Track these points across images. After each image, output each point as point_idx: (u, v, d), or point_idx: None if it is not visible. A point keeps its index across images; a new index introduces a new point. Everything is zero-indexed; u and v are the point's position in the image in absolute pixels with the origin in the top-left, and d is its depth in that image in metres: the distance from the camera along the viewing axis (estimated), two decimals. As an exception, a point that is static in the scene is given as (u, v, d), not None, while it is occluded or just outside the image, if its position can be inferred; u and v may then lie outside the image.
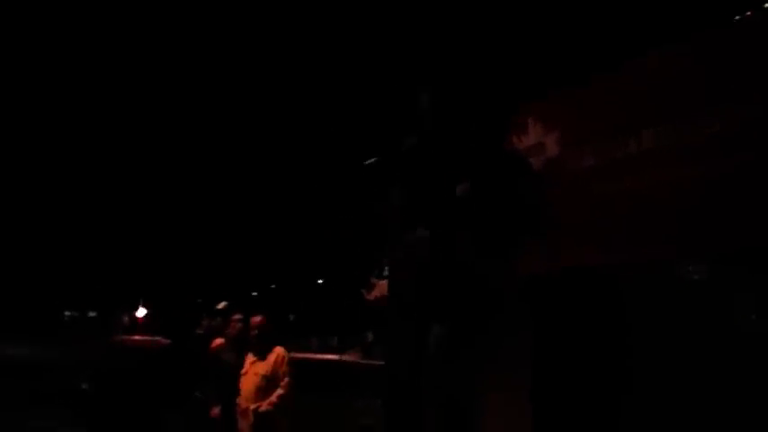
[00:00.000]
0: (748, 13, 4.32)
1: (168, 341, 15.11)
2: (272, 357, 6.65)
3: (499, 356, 3.24)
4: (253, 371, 6.64)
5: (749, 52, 4.26)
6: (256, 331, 6.77)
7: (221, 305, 8.31)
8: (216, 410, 7.16)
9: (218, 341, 7.84)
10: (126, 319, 23.50)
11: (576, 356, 4.89)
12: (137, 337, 15.70)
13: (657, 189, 4.71)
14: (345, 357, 10.90)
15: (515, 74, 5.59)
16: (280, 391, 6.53)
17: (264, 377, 6.55)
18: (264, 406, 6.46)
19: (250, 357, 6.78)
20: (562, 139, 5.42)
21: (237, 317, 7.66)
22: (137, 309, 24.17)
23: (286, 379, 6.58)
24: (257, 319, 6.84)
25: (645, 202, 4.78)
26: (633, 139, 4.92)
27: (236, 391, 6.78)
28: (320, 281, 21.33)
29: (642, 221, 4.79)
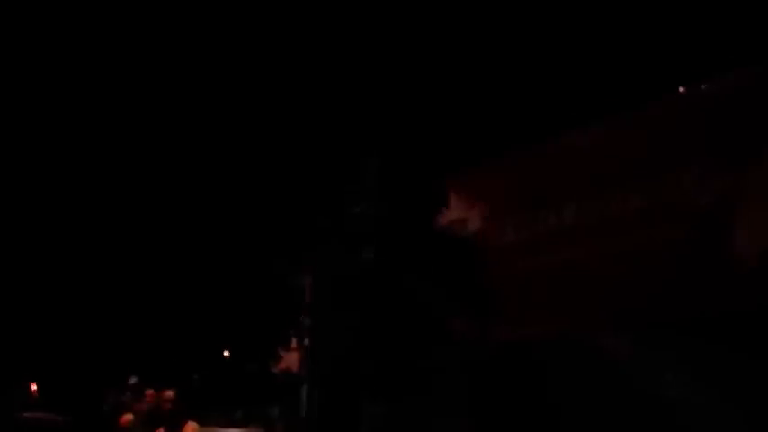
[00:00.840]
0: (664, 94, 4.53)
1: (63, 419, 14.46)
2: (185, 433, 6.43)
3: (434, 423, 3.22)
4: (165, 447, 6.40)
5: (668, 131, 4.45)
6: (170, 405, 6.54)
7: (132, 380, 8.00)
8: None
9: (127, 417, 7.54)
10: (18, 394, 22.41)
11: (510, 423, 4.92)
12: (29, 415, 14.97)
13: (577, 263, 4.82)
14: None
15: (443, 146, 5.67)
16: (193, 469, 6.31)
17: (178, 453, 6.31)
18: (178, 485, 6.23)
19: (162, 432, 6.54)
20: (484, 215, 5.50)
21: (150, 392, 7.42)
22: (30, 384, 23.08)
23: (199, 456, 6.36)
24: (169, 393, 6.62)
25: (565, 275, 4.88)
26: (554, 214, 5.03)
27: None
28: (226, 353, 20.94)
29: (562, 295, 4.89)
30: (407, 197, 3.46)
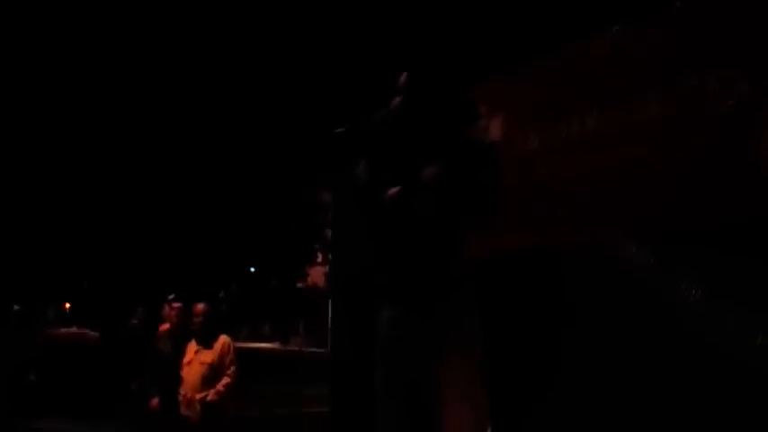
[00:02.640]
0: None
1: (97, 333, 14.84)
2: (217, 346, 6.59)
3: (449, 340, 3.27)
4: (198, 360, 6.56)
5: (690, 37, 4.39)
6: (201, 319, 6.69)
7: (170, 297, 8.15)
8: (155, 401, 7.07)
9: (164, 326, 7.72)
10: (51, 312, 22.97)
11: (524, 339, 5.00)
12: (64, 331, 15.37)
13: (600, 171, 4.81)
14: (288, 347, 10.93)
15: (470, 53, 5.62)
16: (226, 380, 6.48)
17: (210, 366, 6.48)
18: (212, 395, 6.41)
19: (193, 346, 6.70)
20: (506, 122, 5.49)
21: (177, 305, 7.57)
22: (62, 301, 23.62)
23: (232, 367, 6.53)
24: (201, 306, 6.75)
25: (588, 183, 4.88)
26: (576, 122, 5.01)
27: (176, 381, 6.70)
28: (252, 269, 21.20)
29: (586, 203, 4.90)
30: (432, 109, 3.44)
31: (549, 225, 5.11)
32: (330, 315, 6.93)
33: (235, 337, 8.02)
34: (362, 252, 4.72)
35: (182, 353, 6.81)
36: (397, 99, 3.45)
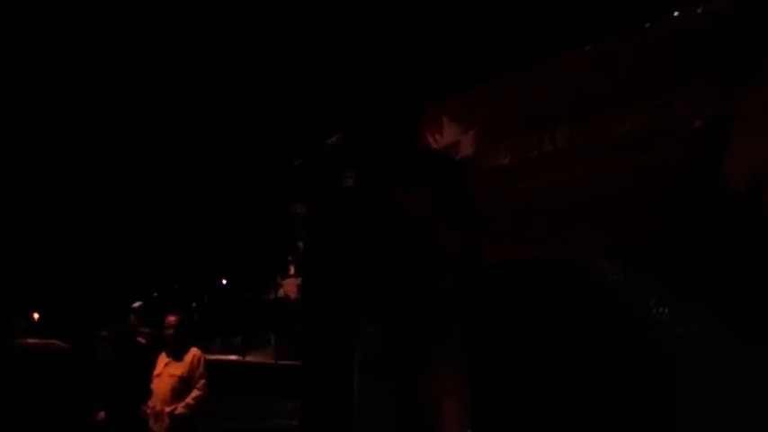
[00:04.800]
0: (658, 18, 4.51)
1: (66, 344, 14.65)
2: (188, 358, 6.54)
3: (433, 349, 3.27)
4: (167, 372, 6.51)
5: (662, 54, 4.44)
6: (172, 331, 6.64)
7: (137, 304, 8.07)
8: (101, 415, 7.06)
9: (172, 318, 7.58)
10: (23, 322, 22.68)
11: (505, 350, 5.03)
12: (32, 341, 15.15)
13: (572, 187, 4.85)
14: (257, 359, 10.88)
15: (424, 73, 5.66)
16: (196, 393, 6.43)
17: (181, 378, 6.43)
18: (181, 408, 6.36)
19: (163, 358, 6.65)
20: (478, 138, 5.52)
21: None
22: (32, 312, 23.32)
23: (202, 380, 6.49)
24: (173, 318, 6.70)
25: (560, 199, 4.92)
26: (548, 138, 5.04)
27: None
28: (224, 281, 21.12)
29: (557, 219, 4.93)
30: (386, 122, 3.44)
31: (522, 240, 5.14)
32: (302, 327, 6.90)
33: (206, 349, 7.98)
34: (335, 264, 4.71)
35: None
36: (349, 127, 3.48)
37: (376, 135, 3.45)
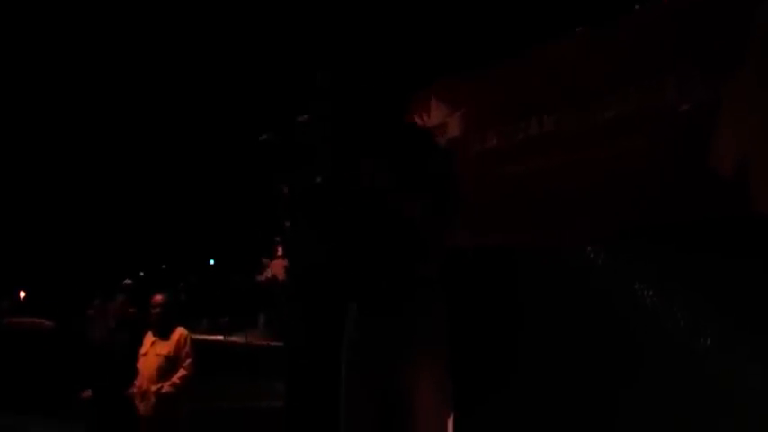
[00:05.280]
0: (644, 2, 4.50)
1: (51, 323, 14.67)
2: (174, 337, 6.54)
3: (415, 335, 3.27)
4: (154, 351, 6.52)
5: (648, 40, 4.44)
6: (159, 310, 6.64)
7: (125, 282, 8.04)
8: (87, 392, 7.07)
9: (159, 297, 7.51)
10: (6, 302, 22.64)
11: (487, 334, 5.05)
12: (17, 320, 15.16)
13: (559, 172, 4.85)
14: (242, 339, 10.87)
15: (414, 55, 5.64)
16: (182, 372, 6.44)
17: (167, 358, 6.44)
18: (167, 387, 6.37)
19: (150, 337, 6.65)
20: (466, 121, 5.51)
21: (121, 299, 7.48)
22: (18, 291, 23.29)
23: (188, 360, 6.50)
24: (159, 297, 6.71)
25: (546, 184, 4.92)
26: (535, 121, 5.04)
27: (132, 372, 6.65)
28: (211, 261, 21.11)
29: (544, 203, 4.93)
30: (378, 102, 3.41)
31: (507, 225, 5.15)
32: (287, 310, 6.90)
33: (193, 329, 7.97)
34: (320, 248, 4.70)
35: (113, 341, 6.83)
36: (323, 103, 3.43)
37: (351, 113, 3.41)
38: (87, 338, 7.54)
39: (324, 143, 3.45)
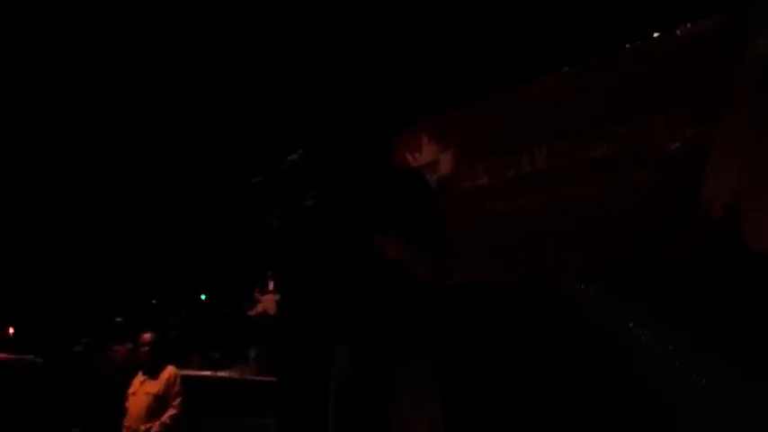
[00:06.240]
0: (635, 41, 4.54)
1: (39, 360, 14.51)
2: (164, 376, 6.47)
3: (404, 373, 3.24)
4: (143, 390, 6.44)
5: (639, 78, 4.47)
6: (147, 348, 6.59)
7: (117, 321, 7.97)
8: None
9: (147, 335, 7.47)
10: (-5, 337, 22.45)
11: (477, 370, 5.02)
12: (3, 356, 15.00)
13: (549, 209, 4.86)
14: (233, 374, 10.76)
15: (398, 94, 5.65)
16: (172, 411, 6.36)
17: (156, 397, 6.36)
18: (156, 427, 6.28)
19: (140, 376, 6.58)
20: (457, 158, 5.53)
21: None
22: (6, 327, 23.09)
23: (178, 399, 6.42)
24: (147, 335, 6.65)
25: (537, 221, 4.93)
26: (526, 158, 5.06)
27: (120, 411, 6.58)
28: (203, 296, 21.01)
29: (534, 240, 4.94)
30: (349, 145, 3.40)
31: (496, 262, 5.14)
32: (277, 346, 6.86)
33: (183, 365, 7.89)
34: (298, 287, 4.69)
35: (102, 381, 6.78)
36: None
37: (338, 153, 3.41)
38: (90, 376, 7.42)
39: (307, 182, 3.44)
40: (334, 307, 3.35)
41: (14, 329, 24.02)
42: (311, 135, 3.42)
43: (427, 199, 3.45)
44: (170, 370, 6.56)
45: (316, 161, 3.40)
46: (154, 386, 6.44)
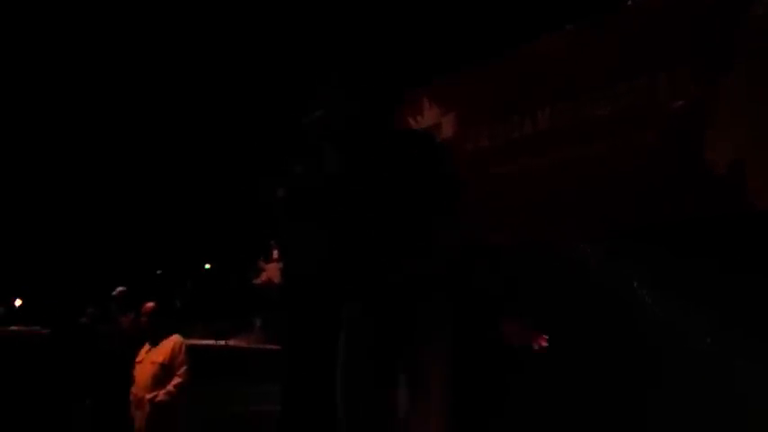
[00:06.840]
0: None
1: (46, 331, 14.57)
2: (168, 345, 6.48)
3: (418, 333, 3.22)
4: (149, 359, 6.46)
5: (641, 37, 4.42)
6: (147, 318, 6.59)
7: (118, 291, 7.93)
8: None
9: (150, 304, 7.44)
10: (1, 309, 22.58)
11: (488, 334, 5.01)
12: (12, 328, 15.08)
13: (552, 169, 4.84)
14: (239, 342, 10.79)
15: (405, 57, 5.61)
16: (177, 380, 6.36)
17: (162, 365, 6.37)
18: (161, 395, 6.30)
19: (146, 346, 6.60)
20: (459, 120, 5.49)
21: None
22: (12, 299, 23.23)
23: (183, 367, 6.42)
24: (149, 305, 6.65)
25: (540, 181, 4.91)
26: (528, 120, 5.02)
27: (128, 380, 6.60)
28: (207, 266, 21.06)
29: (537, 201, 4.92)
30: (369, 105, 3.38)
31: (502, 223, 5.11)
32: (283, 313, 6.85)
33: (188, 335, 7.89)
34: (318, 251, 4.66)
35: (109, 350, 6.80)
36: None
37: (361, 116, 3.38)
38: (97, 346, 7.41)
39: (330, 142, 3.42)
40: (353, 264, 3.33)
41: (21, 301, 24.17)
42: (338, 91, 3.39)
43: (443, 158, 3.43)
44: (175, 339, 6.57)
45: (337, 120, 3.38)
46: (159, 355, 6.45)
